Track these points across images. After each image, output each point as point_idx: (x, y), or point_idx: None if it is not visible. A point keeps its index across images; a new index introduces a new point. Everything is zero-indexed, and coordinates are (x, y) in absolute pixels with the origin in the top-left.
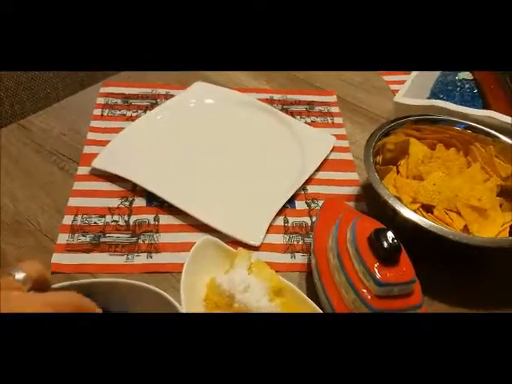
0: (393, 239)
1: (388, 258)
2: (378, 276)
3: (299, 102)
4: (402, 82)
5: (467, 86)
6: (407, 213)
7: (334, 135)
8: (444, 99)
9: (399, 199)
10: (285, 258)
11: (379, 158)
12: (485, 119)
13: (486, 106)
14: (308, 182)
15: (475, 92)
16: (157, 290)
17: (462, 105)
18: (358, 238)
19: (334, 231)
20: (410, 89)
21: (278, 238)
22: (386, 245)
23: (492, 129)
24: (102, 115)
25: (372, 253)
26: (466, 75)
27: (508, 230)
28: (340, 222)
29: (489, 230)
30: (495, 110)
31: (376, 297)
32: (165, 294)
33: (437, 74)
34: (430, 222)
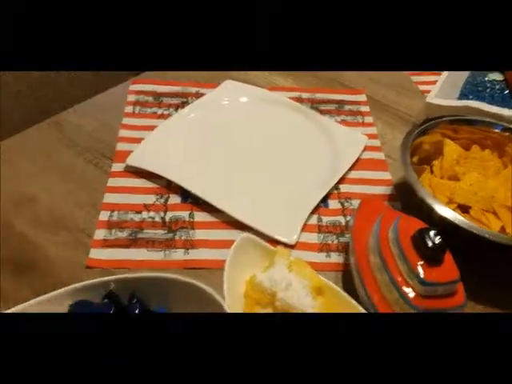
0: (438, 238)
1: (433, 257)
2: (423, 275)
3: (328, 101)
4: (430, 83)
5: (497, 86)
6: (445, 211)
7: (365, 134)
8: (474, 100)
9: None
10: (320, 258)
11: (415, 158)
12: None
13: None
14: (341, 181)
15: (506, 93)
16: (203, 286)
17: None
18: (401, 238)
19: (375, 230)
20: (440, 89)
21: (313, 237)
22: (430, 244)
23: None
24: (133, 112)
25: (416, 252)
26: (496, 76)
27: None
28: (381, 222)
29: None
30: None
31: (420, 296)
32: (210, 289)
33: (466, 74)
34: (468, 222)
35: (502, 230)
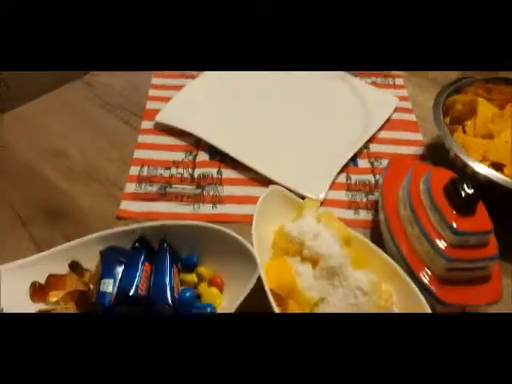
0: (470, 188)
1: (465, 207)
2: (455, 225)
3: None
4: None
5: None
6: (478, 167)
7: (396, 96)
8: None
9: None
10: (348, 214)
11: (447, 119)
12: None
13: None
14: (371, 140)
15: None
16: (232, 233)
17: None
18: (433, 188)
19: (406, 183)
20: None
21: (341, 195)
22: (463, 194)
23: None
24: (162, 73)
25: (448, 202)
26: None
27: None
28: (412, 175)
29: None
30: None
31: (451, 246)
32: (240, 237)
33: None
34: (502, 176)
35: None
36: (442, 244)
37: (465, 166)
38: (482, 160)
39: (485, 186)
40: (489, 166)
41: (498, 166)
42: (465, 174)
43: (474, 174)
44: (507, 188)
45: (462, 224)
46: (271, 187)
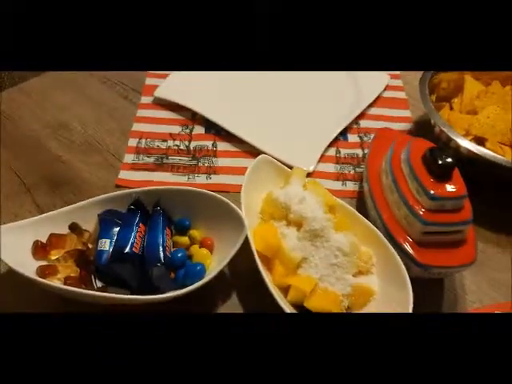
0: (446, 157)
1: (442, 174)
2: (432, 191)
3: None
4: None
5: None
6: (461, 141)
7: (388, 75)
8: None
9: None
10: (336, 185)
11: (433, 96)
12: None
13: None
14: (361, 116)
15: None
16: (223, 198)
17: None
18: (412, 157)
19: (389, 154)
20: None
21: (330, 167)
22: (440, 162)
23: None
24: None
25: (426, 170)
26: None
27: None
28: (394, 146)
29: None
30: None
31: (428, 211)
32: (229, 202)
33: None
34: (483, 149)
35: None
36: (419, 208)
37: (449, 140)
38: (466, 134)
39: (467, 159)
40: (471, 140)
41: (480, 140)
42: (449, 148)
43: (457, 147)
44: (488, 160)
45: (438, 190)
46: (260, 157)
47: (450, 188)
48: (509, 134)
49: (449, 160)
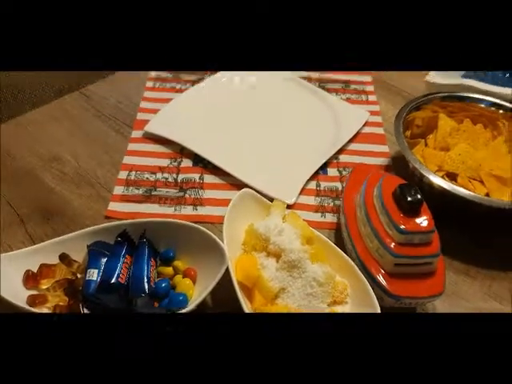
0: (415, 193)
1: (410, 209)
2: (401, 225)
3: (335, 81)
4: None
5: None
6: (433, 177)
7: (368, 111)
8: (483, 78)
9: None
10: (316, 217)
11: (408, 133)
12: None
13: None
14: (341, 152)
15: (507, 75)
16: (206, 230)
17: (502, 84)
18: (383, 193)
19: (363, 189)
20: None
21: (310, 200)
22: (408, 198)
23: None
24: (153, 87)
25: (396, 205)
26: None
27: None
28: (368, 181)
29: (510, 197)
30: None
31: (398, 244)
32: (212, 234)
33: None
34: (454, 186)
35: (487, 196)
36: (389, 242)
37: (422, 176)
38: (438, 170)
39: (439, 194)
40: (444, 175)
41: (452, 176)
42: (422, 183)
43: (430, 183)
44: (457, 195)
45: (407, 225)
46: (242, 190)
47: (418, 223)
48: (478, 170)
49: (417, 197)
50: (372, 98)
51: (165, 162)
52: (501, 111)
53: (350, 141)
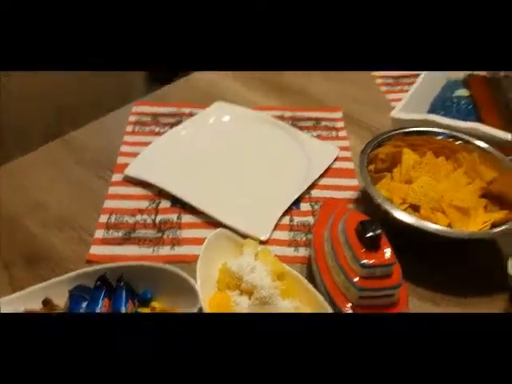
0: (375, 228)
1: (371, 244)
2: (362, 260)
3: (307, 118)
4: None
5: (463, 102)
6: (394, 211)
7: (338, 147)
8: (442, 114)
9: (391, 200)
10: (289, 252)
11: (372, 167)
12: (471, 131)
13: (479, 120)
14: (312, 187)
15: (470, 108)
16: (179, 272)
17: (458, 119)
18: (347, 229)
19: (329, 224)
20: (409, 105)
21: (284, 235)
22: (369, 234)
23: (478, 139)
24: (133, 131)
25: (358, 241)
26: (462, 92)
27: (489, 227)
28: (334, 217)
29: (471, 227)
30: (487, 123)
31: (361, 278)
32: (185, 275)
33: (436, 91)
34: (414, 218)
35: (449, 226)
36: (353, 276)
37: (384, 210)
38: (402, 203)
39: (402, 226)
40: (407, 208)
41: (415, 208)
42: (384, 215)
43: (392, 217)
44: (417, 228)
45: (368, 259)
46: (217, 230)
47: (379, 257)
48: (440, 201)
49: (377, 232)
50: (342, 133)
51: (144, 204)
52: (460, 143)
53: (322, 176)
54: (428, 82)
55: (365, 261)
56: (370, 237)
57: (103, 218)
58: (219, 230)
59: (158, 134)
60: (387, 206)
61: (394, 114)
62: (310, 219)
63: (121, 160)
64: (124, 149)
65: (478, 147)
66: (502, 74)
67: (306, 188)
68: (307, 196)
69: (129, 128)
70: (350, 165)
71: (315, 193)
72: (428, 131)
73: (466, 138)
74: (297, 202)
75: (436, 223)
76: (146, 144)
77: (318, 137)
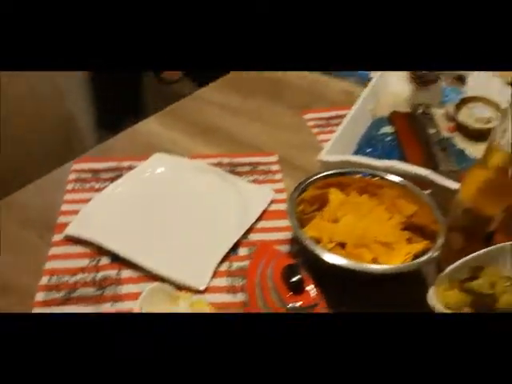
0: (298, 272)
1: (295, 288)
2: (289, 303)
3: (245, 164)
4: None
5: (388, 138)
6: (319, 251)
7: (274, 190)
8: (369, 152)
9: (320, 240)
10: (227, 298)
11: (301, 208)
12: (391, 168)
13: (403, 156)
14: (250, 231)
15: (395, 144)
16: None
17: (384, 156)
18: (274, 274)
19: (260, 269)
20: (337, 145)
21: (222, 281)
22: (293, 278)
23: (397, 176)
24: (73, 189)
25: (284, 285)
26: (387, 129)
27: (411, 258)
28: (265, 261)
29: (394, 260)
30: (410, 158)
31: None
32: None
33: (362, 129)
34: (337, 258)
35: (374, 260)
36: None
37: (311, 250)
38: (330, 242)
39: (328, 266)
40: (335, 246)
41: (342, 245)
42: (316, 256)
43: (316, 257)
44: (341, 267)
45: (295, 302)
46: (152, 285)
47: (304, 299)
48: (364, 238)
49: (300, 276)
50: (278, 176)
51: (84, 263)
52: (382, 181)
53: (259, 219)
54: (354, 122)
55: (290, 304)
56: (294, 281)
57: (44, 280)
58: (155, 284)
59: (99, 190)
60: (312, 247)
61: (321, 156)
62: (248, 263)
63: (61, 219)
64: (65, 207)
65: (397, 183)
66: (420, 110)
67: (242, 233)
68: (245, 240)
69: (69, 186)
70: (284, 206)
71: (252, 236)
72: (351, 171)
73: (386, 175)
74: (235, 248)
75: (362, 259)
76: (87, 201)
77: (255, 181)
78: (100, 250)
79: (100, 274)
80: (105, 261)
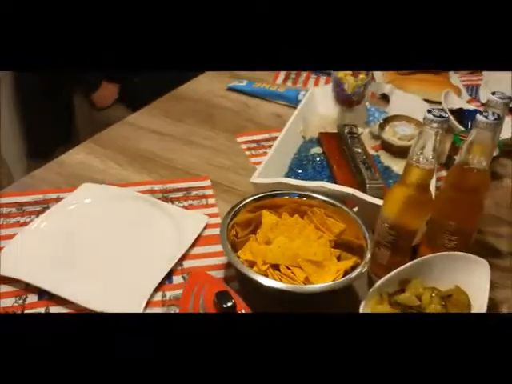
0: (230, 299)
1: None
2: None
3: (178, 189)
4: None
5: (318, 159)
6: (252, 274)
7: (208, 214)
8: (300, 173)
9: (254, 263)
10: None
11: (234, 232)
12: (319, 189)
13: (332, 175)
14: (184, 257)
15: (324, 163)
16: None
17: (314, 176)
18: (205, 301)
19: (192, 297)
20: (269, 167)
21: (157, 311)
22: (224, 304)
23: (325, 196)
24: None
25: (216, 311)
26: (317, 149)
27: (342, 274)
28: (197, 289)
29: (326, 277)
30: (339, 177)
31: None
32: None
33: (293, 151)
34: (268, 280)
35: (307, 279)
36: None
37: (244, 274)
38: (263, 263)
39: (262, 288)
40: (268, 268)
41: (276, 267)
42: (250, 279)
43: (250, 280)
44: (274, 288)
45: None
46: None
47: None
48: (296, 258)
49: (231, 302)
50: (211, 200)
51: (9, 302)
52: (310, 201)
53: (193, 245)
54: (285, 144)
55: None
56: (226, 307)
57: None
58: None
59: (24, 224)
60: (245, 271)
61: (253, 179)
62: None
63: None
64: None
65: (326, 203)
66: (346, 130)
67: (176, 260)
68: (179, 268)
69: None
70: (218, 231)
71: (187, 263)
72: (282, 193)
73: (315, 195)
74: (169, 276)
75: (294, 278)
76: (12, 237)
77: (189, 206)
78: (27, 288)
79: (27, 313)
80: (32, 299)
